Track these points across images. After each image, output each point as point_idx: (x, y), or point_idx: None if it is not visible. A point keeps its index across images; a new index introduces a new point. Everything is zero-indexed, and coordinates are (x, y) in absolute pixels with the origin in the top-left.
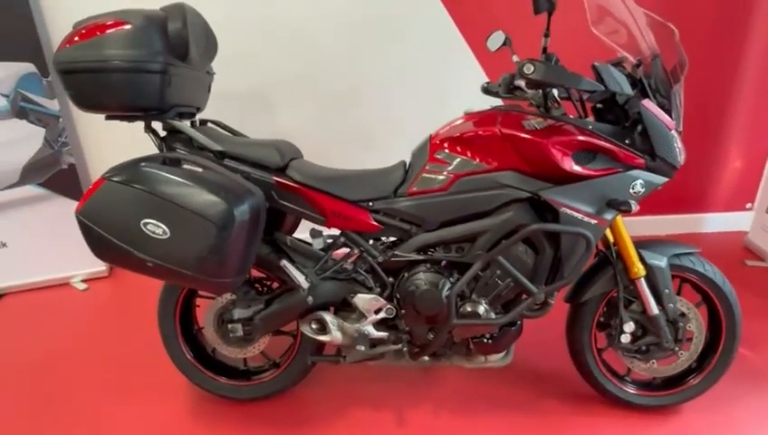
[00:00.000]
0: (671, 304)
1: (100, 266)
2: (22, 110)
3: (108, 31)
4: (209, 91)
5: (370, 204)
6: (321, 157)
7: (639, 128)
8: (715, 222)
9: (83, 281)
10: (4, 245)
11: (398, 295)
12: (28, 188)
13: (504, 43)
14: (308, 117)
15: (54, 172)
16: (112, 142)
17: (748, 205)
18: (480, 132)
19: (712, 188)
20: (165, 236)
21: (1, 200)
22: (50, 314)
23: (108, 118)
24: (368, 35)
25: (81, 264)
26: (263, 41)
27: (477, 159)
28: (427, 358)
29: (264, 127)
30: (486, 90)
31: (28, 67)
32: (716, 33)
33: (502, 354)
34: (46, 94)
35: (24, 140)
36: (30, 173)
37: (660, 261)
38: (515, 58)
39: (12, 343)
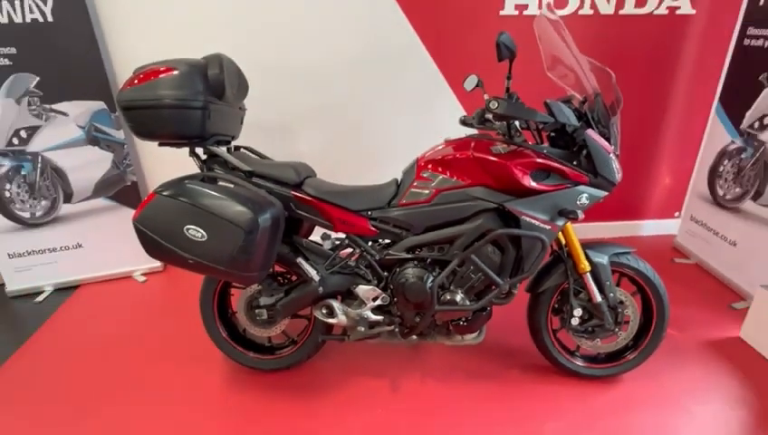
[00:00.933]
0: (612, 294)
1: (156, 263)
2: (94, 138)
3: (160, 75)
4: (242, 123)
5: (369, 213)
6: (331, 175)
7: (585, 152)
8: (649, 228)
9: (143, 274)
10: (80, 245)
11: (391, 286)
12: (99, 200)
13: (478, 85)
14: (321, 143)
15: (120, 188)
16: (165, 164)
17: (676, 213)
18: (457, 155)
19: (646, 200)
20: (203, 239)
21: (79, 210)
22: (116, 301)
23: (160, 145)
24: (370, 79)
25: (142, 261)
26: (285, 83)
27: (455, 177)
28: (415, 337)
29: (286, 151)
30: (464, 121)
31: (99, 104)
32: (648, 74)
33: (475, 334)
34: (114, 126)
35: (97, 163)
36: (101, 188)
37: (603, 259)
38: (486, 96)
39: (87, 323)
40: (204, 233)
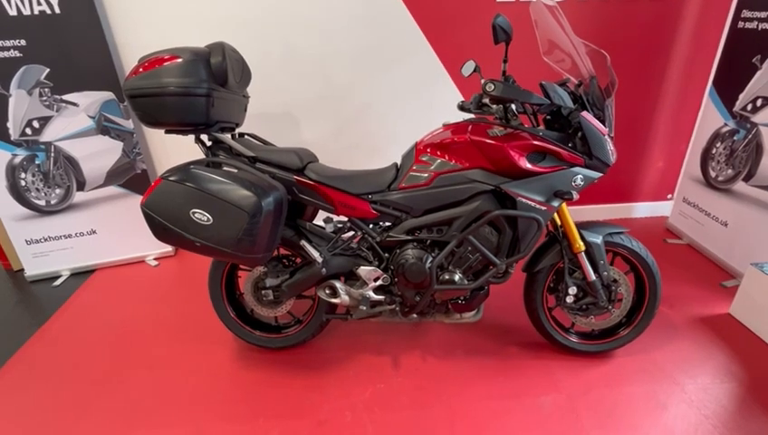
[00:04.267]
0: (605, 273)
1: (167, 248)
2: (105, 128)
3: (164, 63)
4: (245, 110)
5: (370, 196)
6: (333, 161)
7: (580, 134)
8: (642, 209)
9: (155, 259)
10: (94, 231)
11: (392, 267)
12: (111, 188)
13: (475, 70)
14: (324, 130)
15: (131, 176)
16: (173, 152)
17: (669, 196)
18: (455, 139)
19: (639, 183)
20: (209, 223)
21: (91, 198)
22: (130, 285)
23: (167, 132)
24: (370, 67)
25: (154, 246)
26: (290, 73)
27: (453, 161)
28: (415, 315)
29: (291, 138)
30: (461, 107)
31: (109, 95)
32: (642, 58)
33: (473, 312)
34: (123, 115)
35: (107, 152)
36: (112, 177)
37: (597, 238)
38: (483, 80)
39: (102, 306)
40: (209, 216)
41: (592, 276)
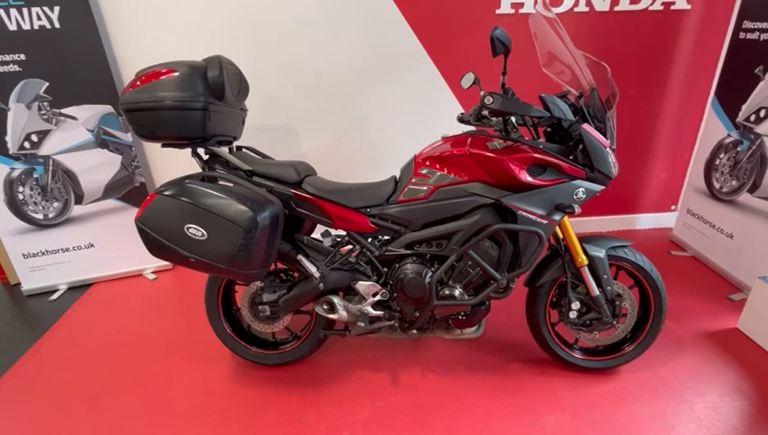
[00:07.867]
0: (609, 287)
1: (165, 262)
2: (103, 141)
3: (161, 77)
4: (243, 123)
5: (368, 210)
6: (332, 173)
7: (581, 146)
8: (646, 221)
9: (153, 273)
10: (92, 245)
11: (391, 282)
12: (110, 201)
13: (474, 82)
14: (323, 143)
15: (129, 189)
16: (172, 166)
17: (672, 207)
18: (454, 152)
19: (642, 194)
20: (203, 238)
21: (90, 211)
22: (128, 299)
23: (163, 146)
24: (370, 80)
25: (152, 259)
26: (288, 85)
27: (452, 174)
28: (414, 331)
29: (290, 151)
30: (461, 119)
31: (107, 108)
32: (643, 69)
33: (474, 328)
34: (121, 129)
35: (106, 165)
36: (111, 190)
37: (600, 252)
38: (482, 92)
39: (98, 320)
40: (204, 232)
41: (596, 291)
